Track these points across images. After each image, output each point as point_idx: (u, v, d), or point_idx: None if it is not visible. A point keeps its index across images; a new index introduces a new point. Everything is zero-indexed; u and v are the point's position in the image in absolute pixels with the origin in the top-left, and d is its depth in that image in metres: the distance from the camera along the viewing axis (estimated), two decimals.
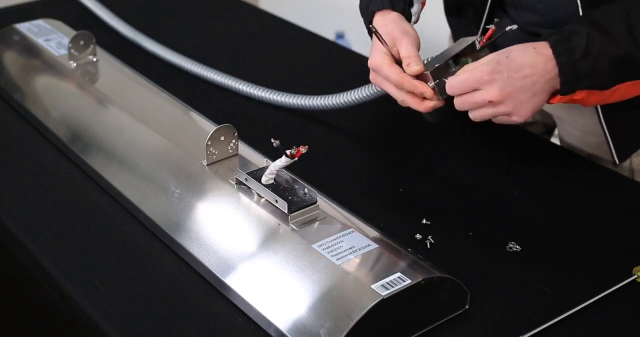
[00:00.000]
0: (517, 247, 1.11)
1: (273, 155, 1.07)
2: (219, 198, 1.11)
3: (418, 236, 1.13)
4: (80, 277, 1.07)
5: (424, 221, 1.16)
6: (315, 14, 2.99)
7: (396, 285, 0.94)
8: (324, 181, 1.17)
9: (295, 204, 1.04)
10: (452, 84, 1.09)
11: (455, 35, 1.43)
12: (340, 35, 2.96)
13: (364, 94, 1.28)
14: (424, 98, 1.13)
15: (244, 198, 1.09)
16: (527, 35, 1.23)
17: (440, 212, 1.18)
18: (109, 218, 1.18)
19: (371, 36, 1.18)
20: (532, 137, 1.39)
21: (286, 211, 1.04)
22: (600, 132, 1.29)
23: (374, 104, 1.31)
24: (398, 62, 1.14)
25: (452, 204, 1.21)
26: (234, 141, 1.16)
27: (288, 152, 1.03)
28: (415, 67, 1.11)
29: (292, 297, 0.97)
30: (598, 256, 1.11)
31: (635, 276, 1.06)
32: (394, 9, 1.19)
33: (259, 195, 1.08)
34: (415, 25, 1.21)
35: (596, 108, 1.26)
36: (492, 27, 1.11)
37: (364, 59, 1.65)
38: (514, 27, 1.10)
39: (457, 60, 1.14)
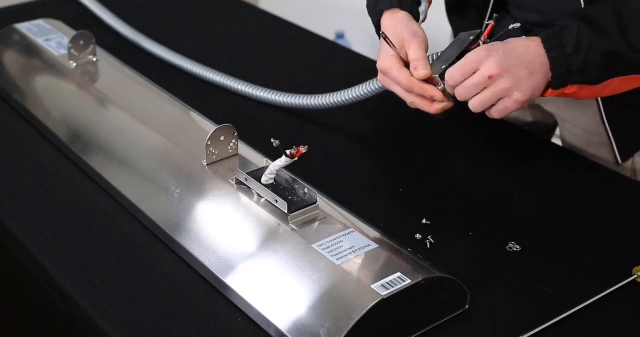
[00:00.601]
0: (517, 247, 1.11)
1: (273, 155, 1.07)
2: (219, 198, 1.11)
3: (418, 236, 1.13)
4: (80, 277, 1.07)
5: (424, 221, 1.16)
6: (315, 14, 2.99)
7: (396, 285, 0.94)
8: (324, 181, 1.17)
9: (295, 204, 1.04)
10: (452, 72, 1.08)
11: (457, 35, 1.43)
12: (340, 35, 2.96)
13: (364, 92, 1.27)
14: (434, 100, 1.13)
15: (244, 198, 1.09)
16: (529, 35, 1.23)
17: (440, 212, 1.18)
18: (109, 218, 1.18)
19: (379, 35, 1.17)
20: (532, 137, 1.39)
21: (286, 211, 1.04)
22: (602, 132, 1.29)
23: (374, 104, 1.31)
24: (407, 64, 1.14)
25: (452, 204, 1.21)
26: (234, 141, 1.16)
27: (288, 152, 1.03)
28: (423, 72, 1.11)
29: (292, 297, 0.97)
30: (598, 256, 1.11)
31: (635, 276, 1.06)
32: (402, 8, 1.19)
33: (259, 195, 1.08)
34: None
35: (599, 108, 1.26)
36: (491, 23, 1.12)
37: (364, 59, 1.66)
38: (517, 25, 1.10)
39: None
